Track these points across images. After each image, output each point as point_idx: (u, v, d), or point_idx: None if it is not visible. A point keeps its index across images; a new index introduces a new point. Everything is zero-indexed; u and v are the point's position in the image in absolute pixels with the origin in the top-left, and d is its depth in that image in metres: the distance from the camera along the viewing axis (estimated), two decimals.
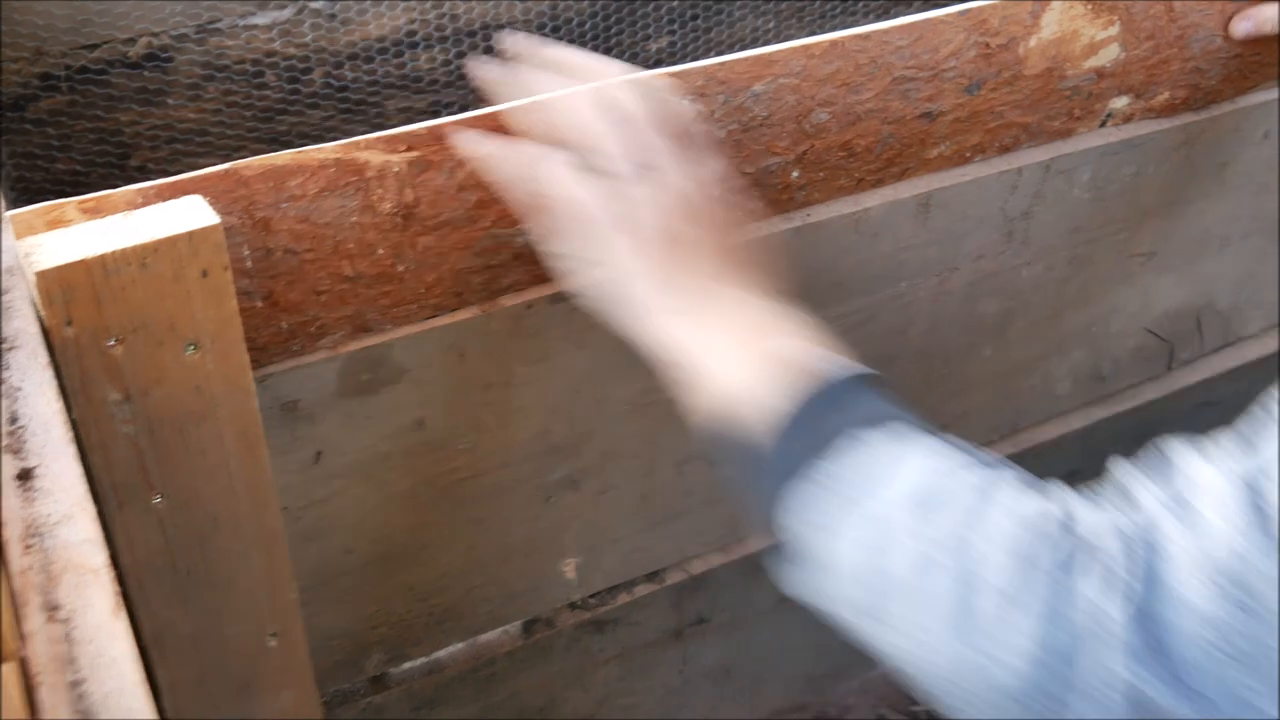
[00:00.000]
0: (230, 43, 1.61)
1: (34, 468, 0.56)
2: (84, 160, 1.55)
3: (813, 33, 2.07)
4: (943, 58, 0.94)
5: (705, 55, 1.98)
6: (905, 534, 0.60)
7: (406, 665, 1.03)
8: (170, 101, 1.60)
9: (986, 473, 0.62)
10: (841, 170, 0.94)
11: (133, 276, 0.66)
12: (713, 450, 0.68)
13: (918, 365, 1.12)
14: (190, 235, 0.67)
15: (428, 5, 1.74)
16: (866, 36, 0.91)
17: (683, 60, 1.96)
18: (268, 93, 1.68)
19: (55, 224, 0.70)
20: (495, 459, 0.94)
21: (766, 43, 2.05)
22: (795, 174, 0.92)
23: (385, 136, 0.79)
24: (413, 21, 1.75)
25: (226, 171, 0.74)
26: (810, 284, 0.98)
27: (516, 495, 0.97)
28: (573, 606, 1.09)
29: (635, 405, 0.97)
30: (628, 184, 0.71)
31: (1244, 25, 1.04)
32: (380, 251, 0.80)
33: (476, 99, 1.87)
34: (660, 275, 0.70)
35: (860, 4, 2.08)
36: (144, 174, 1.60)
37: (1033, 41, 0.97)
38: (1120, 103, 1.05)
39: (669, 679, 1.21)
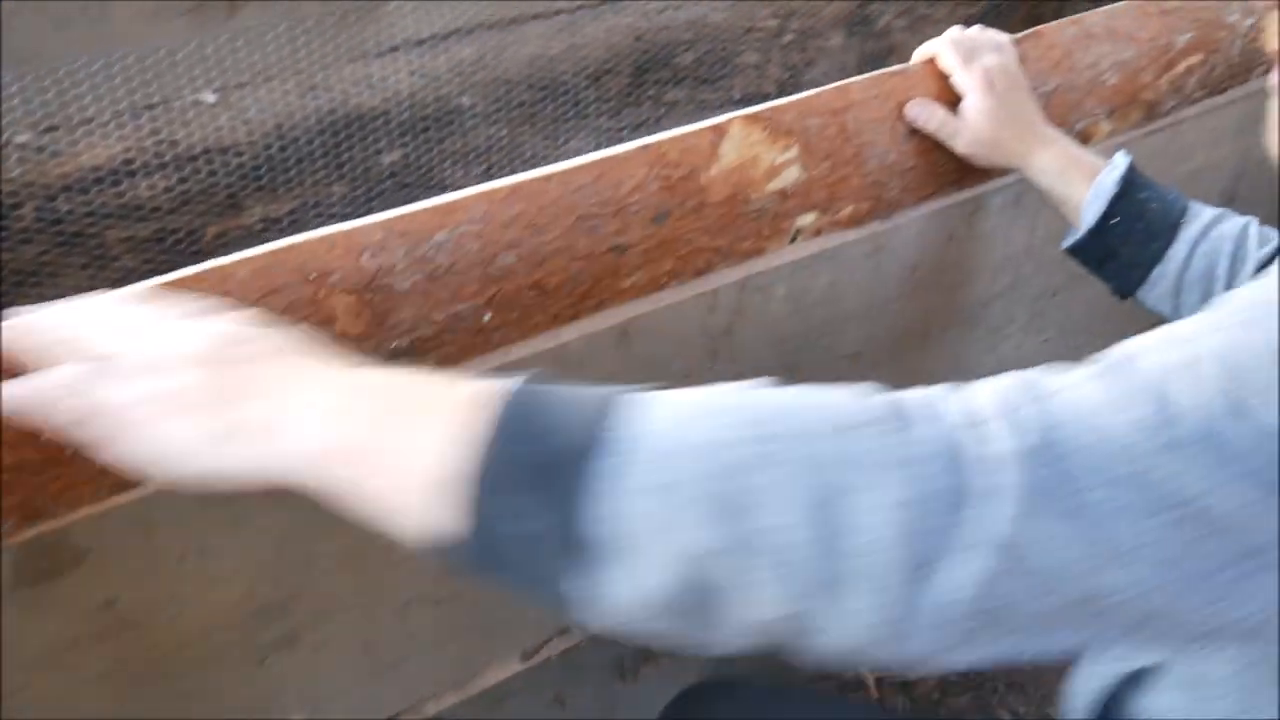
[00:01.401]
0: None
1: None
2: None
3: (547, 140, 2.10)
4: (626, 193, 0.96)
5: (439, 165, 1.99)
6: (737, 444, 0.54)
7: None
8: None
9: None
10: (535, 308, 0.95)
11: None
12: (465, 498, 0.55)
13: None
14: None
15: (144, 133, 1.70)
16: (548, 178, 0.93)
17: (416, 172, 1.97)
18: None
19: None
20: (199, 628, 0.91)
21: (501, 150, 2.07)
22: (487, 317, 0.93)
23: None
24: (129, 150, 1.70)
25: None
26: None
27: (227, 661, 0.94)
28: None
29: (345, 557, 0.96)
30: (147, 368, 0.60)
31: (915, 110, 1.10)
32: (44, 438, 0.76)
33: (204, 222, 1.84)
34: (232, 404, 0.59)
35: (592, 107, 2.12)
36: None
37: (714, 170, 1.01)
38: (807, 219, 1.09)
39: None
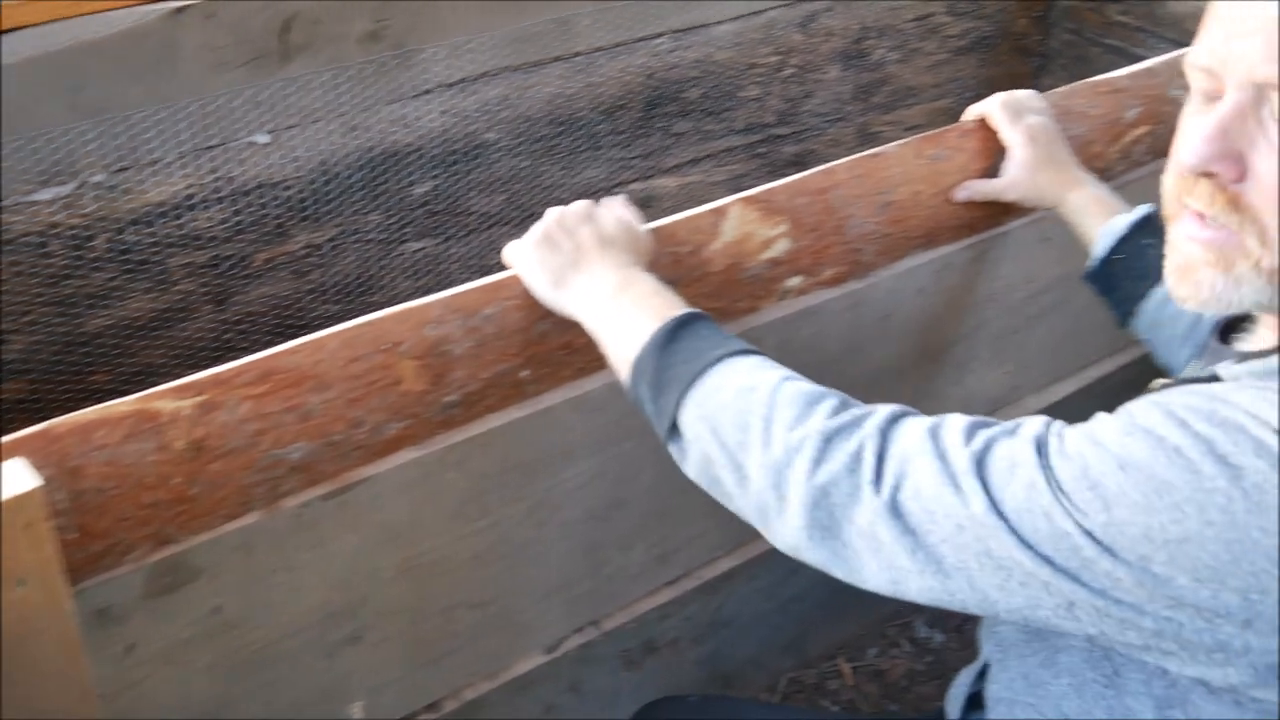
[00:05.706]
0: (14, 218, 1.73)
1: None
2: None
3: (564, 170, 2.28)
4: None
5: (466, 195, 2.17)
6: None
7: None
8: None
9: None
10: (564, 364, 1.14)
11: None
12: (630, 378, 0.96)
13: (651, 501, 1.32)
14: (16, 499, 0.82)
15: (204, 171, 1.88)
16: None
17: (445, 200, 2.15)
18: (52, 260, 1.79)
19: None
20: (285, 630, 1.10)
21: (523, 180, 2.25)
22: (525, 373, 1.11)
23: (176, 386, 0.95)
24: (190, 186, 1.89)
25: (41, 432, 0.89)
26: (541, 459, 1.17)
27: (304, 656, 1.13)
28: None
29: (403, 569, 1.15)
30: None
31: (963, 194, 1.33)
32: (176, 480, 0.95)
33: (255, 249, 2.02)
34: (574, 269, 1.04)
35: (606, 139, 2.30)
36: None
37: (715, 245, 1.19)
38: (794, 282, 1.27)
39: None
